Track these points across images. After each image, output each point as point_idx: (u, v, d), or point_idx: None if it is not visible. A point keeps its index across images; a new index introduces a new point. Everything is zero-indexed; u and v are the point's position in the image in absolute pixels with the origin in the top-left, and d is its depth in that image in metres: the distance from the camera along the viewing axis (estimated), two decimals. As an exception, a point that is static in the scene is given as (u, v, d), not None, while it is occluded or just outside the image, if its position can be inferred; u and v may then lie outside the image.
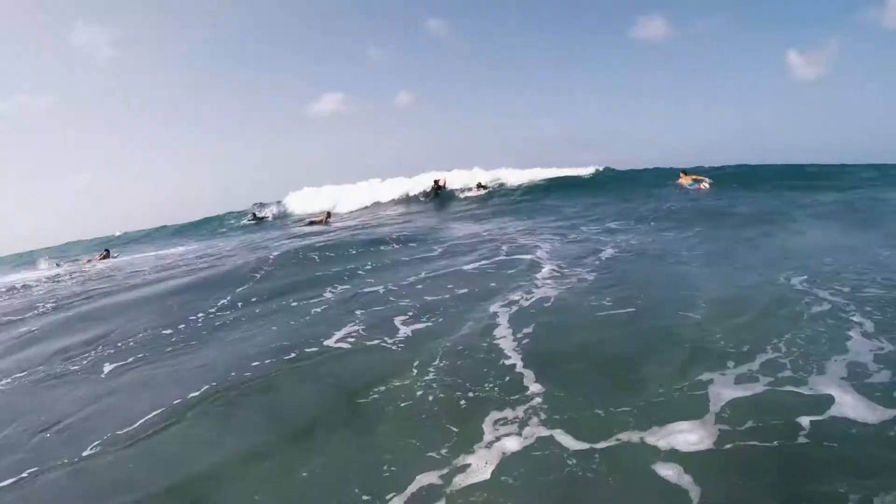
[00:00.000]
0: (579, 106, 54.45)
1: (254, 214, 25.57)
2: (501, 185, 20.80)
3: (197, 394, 2.92)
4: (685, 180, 15.26)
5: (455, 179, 21.83)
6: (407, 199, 21.24)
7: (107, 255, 16.48)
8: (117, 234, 31.46)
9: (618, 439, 2.11)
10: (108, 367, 3.70)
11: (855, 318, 3.19)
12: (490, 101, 57.51)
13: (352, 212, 21.47)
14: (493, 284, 4.78)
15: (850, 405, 2.20)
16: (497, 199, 17.88)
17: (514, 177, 21.15)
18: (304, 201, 25.64)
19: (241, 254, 9.66)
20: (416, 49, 56.20)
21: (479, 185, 20.29)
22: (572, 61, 56.94)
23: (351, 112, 52.99)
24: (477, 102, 57.28)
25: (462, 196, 19.53)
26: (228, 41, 58.44)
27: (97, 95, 59.90)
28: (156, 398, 2.96)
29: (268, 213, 25.32)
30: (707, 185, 14.30)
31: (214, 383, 3.05)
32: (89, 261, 16.43)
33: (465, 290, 4.63)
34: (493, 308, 3.97)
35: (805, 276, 4.21)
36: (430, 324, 3.81)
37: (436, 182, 20.81)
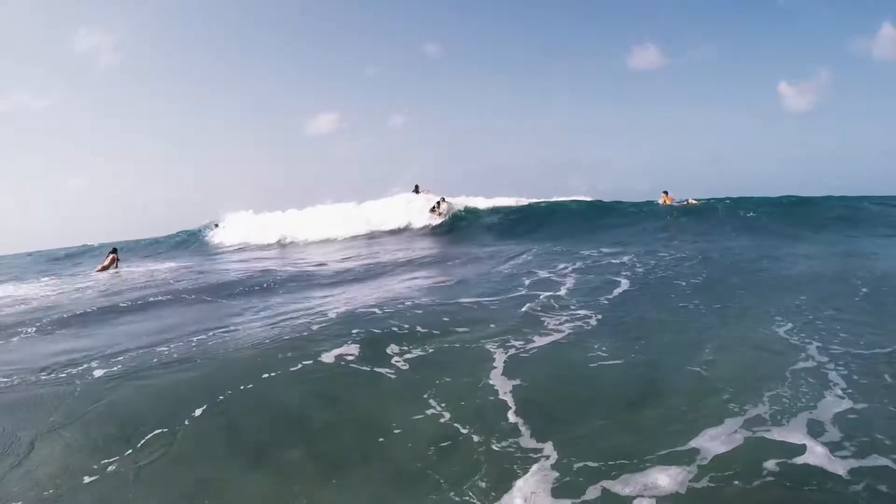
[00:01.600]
0: (570, 133, 55.48)
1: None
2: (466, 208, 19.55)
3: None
4: (667, 199, 16.91)
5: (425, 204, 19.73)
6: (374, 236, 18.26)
7: (114, 259, 14.10)
8: (95, 244, 29.25)
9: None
10: None
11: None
12: (483, 125, 58.44)
13: (327, 241, 18.55)
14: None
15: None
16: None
17: (482, 203, 19.91)
18: (240, 225, 22.70)
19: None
20: (412, 71, 57.07)
21: (436, 207, 18.92)
22: (567, 88, 58.14)
23: (344, 131, 53.43)
24: (469, 126, 58.17)
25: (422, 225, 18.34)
26: (227, 56, 58.93)
27: (94, 101, 59.74)
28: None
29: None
30: (694, 201, 16.14)
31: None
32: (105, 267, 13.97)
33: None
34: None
35: (791, 325, 4.34)
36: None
37: (437, 203, 19.19)
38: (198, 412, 3.02)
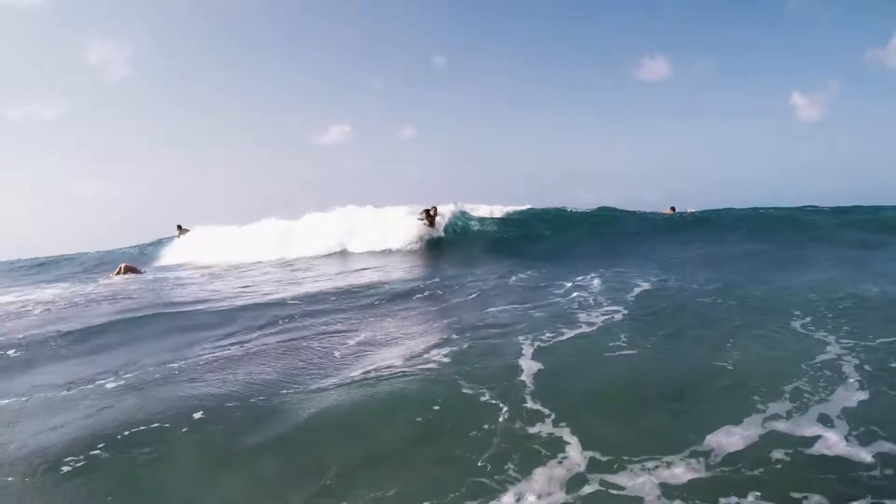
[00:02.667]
0: (579, 144, 55.60)
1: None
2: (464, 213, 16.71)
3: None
4: (670, 211, 18.06)
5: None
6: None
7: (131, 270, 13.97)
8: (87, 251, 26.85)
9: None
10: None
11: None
12: (490, 136, 58.91)
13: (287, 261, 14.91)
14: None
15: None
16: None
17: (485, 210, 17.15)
18: (200, 239, 19.94)
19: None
20: (421, 84, 57.89)
21: (428, 214, 15.56)
22: (574, 100, 58.41)
23: (354, 142, 54.20)
24: (477, 137, 58.68)
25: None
26: (237, 69, 60.13)
27: (106, 111, 61.06)
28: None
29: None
30: (692, 210, 17.58)
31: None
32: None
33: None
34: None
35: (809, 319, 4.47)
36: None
37: (426, 212, 15.72)
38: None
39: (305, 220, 17.95)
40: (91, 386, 3.85)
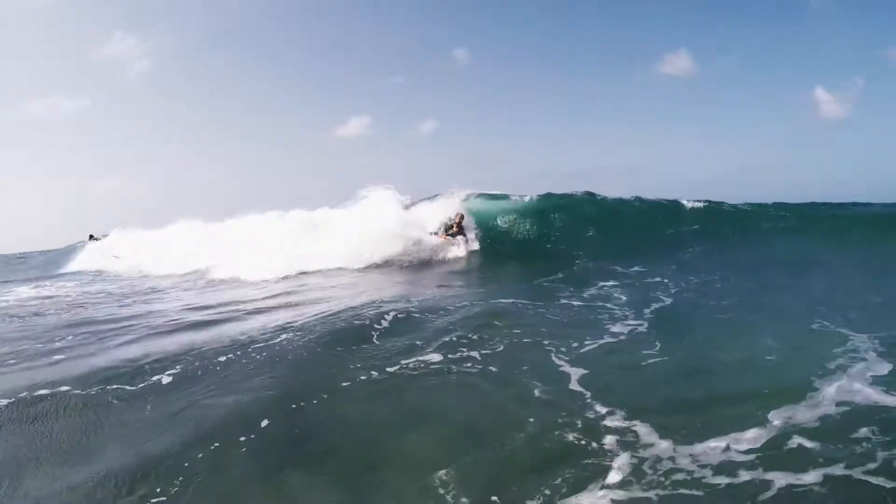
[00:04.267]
0: (601, 139, 55.36)
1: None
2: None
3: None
4: None
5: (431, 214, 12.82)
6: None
7: None
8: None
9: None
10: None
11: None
12: (512, 130, 58.82)
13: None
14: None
15: None
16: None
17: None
18: (126, 242, 18.48)
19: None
20: (441, 77, 57.65)
21: (451, 228, 11.65)
22: (595, 94, 58.22)
23: (375, 136, 54.21)
24: (499, 132, 58.59)
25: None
26: (258, 63, 60.21)
27: (126, 105, 61.55)
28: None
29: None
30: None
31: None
32: None
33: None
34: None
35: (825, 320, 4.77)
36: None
37: (447, 228, 11.78)
38: None
39: (230, 224, 14.96)
40: None
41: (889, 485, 2.30)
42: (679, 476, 2.50)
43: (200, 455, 2.89)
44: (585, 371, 3.90)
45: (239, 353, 4.50)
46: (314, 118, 60.86)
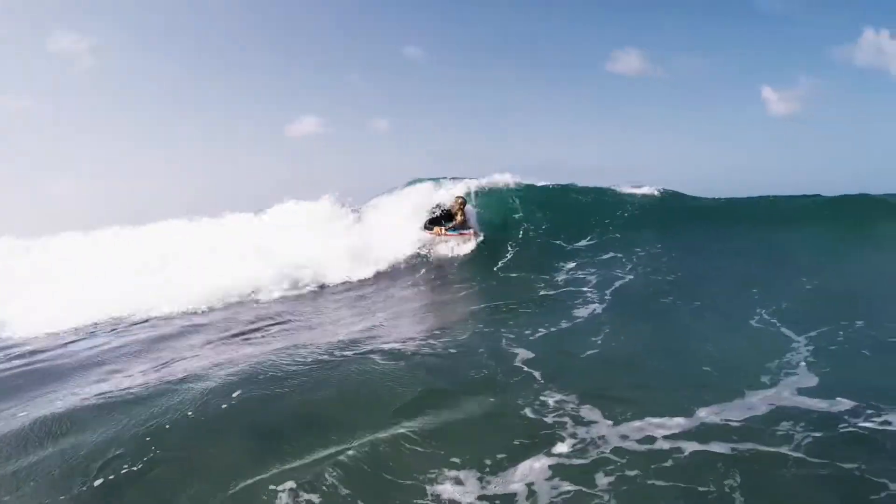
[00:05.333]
0: (553, 137, 55.85)
1: None
2: None
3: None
4: None
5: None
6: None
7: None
8: None
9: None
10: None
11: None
12: (469, 127, 58.70)
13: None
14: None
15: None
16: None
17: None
18: None
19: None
20: (393, 75, 57.00)
21: (453, 219, 9.04)
22: (547, 93, 58.54)
23: (327, 135, 53.27)
24: (455, 128, 58.41)
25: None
26: (207, 60, 58.24)
27: (73, 102, 58.31)
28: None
29: None
30: None
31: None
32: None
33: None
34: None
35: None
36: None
37: (441, 217, 9.32)
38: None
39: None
40: None
41: (795, 455, 2.57)
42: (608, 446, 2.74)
43: None
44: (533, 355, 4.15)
45: None
46: (265, 116, 59.06)
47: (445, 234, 8.77)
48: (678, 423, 2.94)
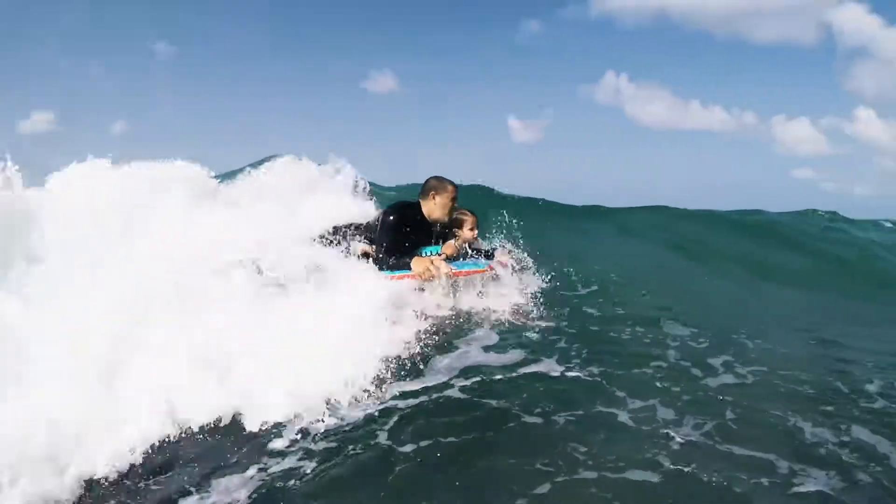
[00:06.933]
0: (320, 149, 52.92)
1: None
2: None
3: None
4: None
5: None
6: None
7: None
8: None
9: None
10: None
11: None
12: (225, 129, 54.04)
13: None
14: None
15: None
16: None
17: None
18: None
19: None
20: (140, 71, 49.14)
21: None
22: (307, 105, 58.07)
23: (61, 133, 42.94)
24: (211, 129, 52.98)
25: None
26: None
27: None
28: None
29: None
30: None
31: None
32: None
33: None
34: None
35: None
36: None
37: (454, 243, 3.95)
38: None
39: None
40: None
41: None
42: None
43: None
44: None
45: None
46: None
47: (450, 274, 3.69)
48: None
